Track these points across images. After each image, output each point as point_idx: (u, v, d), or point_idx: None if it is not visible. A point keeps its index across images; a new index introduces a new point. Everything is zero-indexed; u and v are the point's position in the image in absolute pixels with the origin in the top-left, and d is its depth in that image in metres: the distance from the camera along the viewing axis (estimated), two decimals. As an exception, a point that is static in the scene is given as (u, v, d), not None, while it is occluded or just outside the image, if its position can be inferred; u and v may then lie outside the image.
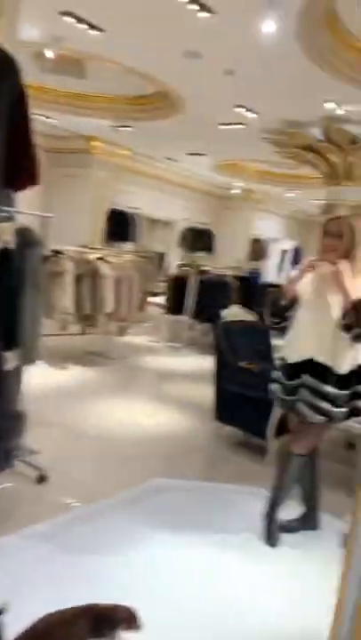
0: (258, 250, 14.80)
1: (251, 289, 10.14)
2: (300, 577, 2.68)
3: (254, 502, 3.30)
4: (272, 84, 6.00)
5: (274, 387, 2.91)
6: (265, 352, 4.85)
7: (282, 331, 2.90)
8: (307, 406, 2.71)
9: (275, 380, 2.91)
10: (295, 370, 2.76)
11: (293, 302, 2.77)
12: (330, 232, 2.71)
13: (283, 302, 2.79)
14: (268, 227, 15.71)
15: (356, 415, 2.75)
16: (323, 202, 11.68)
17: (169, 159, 11.38)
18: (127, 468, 3.74)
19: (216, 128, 8.01)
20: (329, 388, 2.66)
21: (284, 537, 2.94)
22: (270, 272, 16.07)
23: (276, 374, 2.90)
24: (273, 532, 2.89)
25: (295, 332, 2.80)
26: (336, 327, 2.63)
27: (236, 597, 2.45)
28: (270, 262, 16.06)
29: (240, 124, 7.64)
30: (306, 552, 2.89)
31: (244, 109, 7.05)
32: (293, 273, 2.82)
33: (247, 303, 8.86)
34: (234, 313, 4.82)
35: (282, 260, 16.89)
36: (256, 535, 2.92)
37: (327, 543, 3.01)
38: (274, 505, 2.91)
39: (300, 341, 2.77)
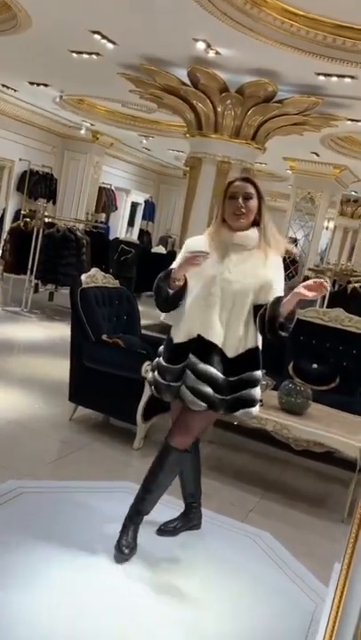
0: (106, 201, 14.45)
1: (103, 245, 9.86)
2: (185, 592, 2.60)
3: (122, 500, 3.16)
4: (136, 10, 5.63)
5: (153, 374, 2.72)
6: (131, 323, 4.67)
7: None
8: (189, 390, 2.56)
9: (156, 366, 2.72)
10: (182, 351, 2.59)
11: (182, 291, 2.56)
12: (235, 195, 2.53)
13: (170, 291, 2.53)
14: (118, 175, 15.36)
15: (245, 406, 2.59)
16: (181, 152, 11.67)
17: (5, 87, 10.42)
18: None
19: (66, 55, 7.42)
20: (213, 371, 2.53)
21: (165, 541, 2.84)
22: (120, 226, 15.87)
23: (158, 360, 2.71)
24: (127, 538, 2.64)
25: (184, 307, 2.60)
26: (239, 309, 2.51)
27: (116, 626, 2.29)
28: (120, 215, 15.83)
29: (95, 53, 7.15)
30: (190, 556, 2.83)
31: (100, 37, 6.60)
32: (179, 261, 2.55)
33: (100, 261, 8.60)
34: (94, 276, 4.51)
35: (132, 214, 16.75)
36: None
37: (210, 544, 2.99)
38: (138, 508, 2.68)
39: (188, 318, 2.58)
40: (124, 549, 2.62)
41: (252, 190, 2.55)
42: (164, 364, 2.65)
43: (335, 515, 3.59)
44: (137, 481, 3.40)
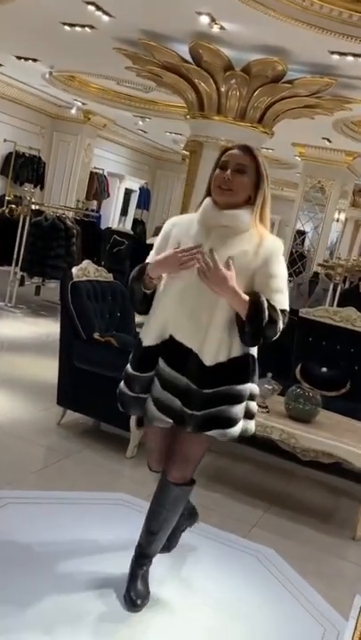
0: (98, 187, 14.46)
1: (94, 235, 9.88)
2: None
3: (116, 514, 3.17)
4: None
5: (122, 385, 2.47)
6: (125, 320, 4.68)
7: None
8: (153, 403, 2.33)
9: (125, 375, 2.46)
10: (153, 356, 2.35)
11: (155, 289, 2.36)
12: (226, 165, 2.26)
13: (147, 292, 2.35)
14: (111, 159, 15.36)
15: (220, 426, 2.30)
16: (181, 135, 11.67)
17: (-10, 61, 10.44)
18: None
19: (57, 28, 7.43)
20: (182, 380, 2.29)
21: (159, 557, 2.85)
22: (112, 215, 15.88)
23: (126, 368, 2.46)
24: (136, 587, 2.47)
25: (155, 304, 2.38)
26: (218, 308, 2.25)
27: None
28: (112, 203, 15.84)
29: (89, 26, 7.17)
30: (188, 575, 2.84)
31: (95, 8, 6.62)
32: (161, 256, 2.30)
33: (91, 253, 8.61)
34: (85, 269, 4.52)
35: (126, 202, 16.75)
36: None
37: (209, 562, 2.99)
38: (144, 551, 2.52)
39: (160, 316, 2.34)
40: (137, 601, 2.44)
41: (246, 162, 2.26)
42: (132, 371, 2.41)
43: (345, 531, 3.61)
44: (130, 492, 3.45)
